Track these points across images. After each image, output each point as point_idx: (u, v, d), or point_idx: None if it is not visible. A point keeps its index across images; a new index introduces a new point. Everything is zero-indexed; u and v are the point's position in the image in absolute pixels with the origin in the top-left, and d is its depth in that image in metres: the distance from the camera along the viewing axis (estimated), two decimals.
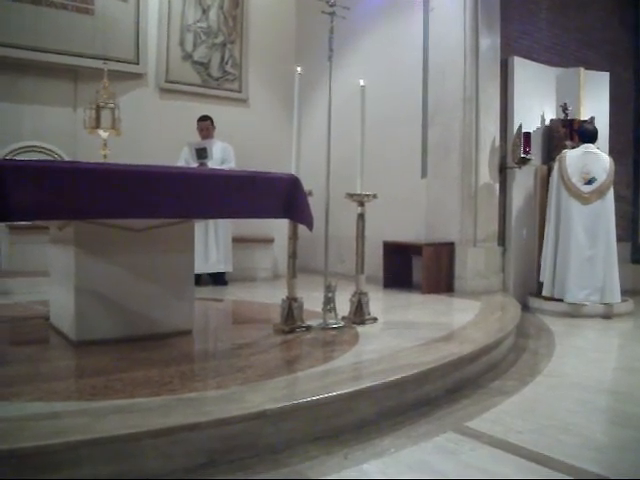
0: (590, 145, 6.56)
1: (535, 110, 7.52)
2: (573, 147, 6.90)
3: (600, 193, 6.32)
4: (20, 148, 7.05)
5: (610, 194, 6.45)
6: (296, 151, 4.39)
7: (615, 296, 6.43)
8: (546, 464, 2.59)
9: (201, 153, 6.93)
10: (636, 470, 2.57)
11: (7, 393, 2.78)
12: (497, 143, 7.00)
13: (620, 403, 3.59)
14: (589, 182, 6.32)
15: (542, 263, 6.79)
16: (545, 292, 6.69)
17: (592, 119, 7.38)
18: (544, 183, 7.41)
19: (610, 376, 4.29)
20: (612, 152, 7.78)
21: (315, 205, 4.31)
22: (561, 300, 6.48)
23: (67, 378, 3.23)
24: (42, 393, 2.80)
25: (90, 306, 3.87)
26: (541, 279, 6.80)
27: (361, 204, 4.77)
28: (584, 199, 6.27)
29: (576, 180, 6.32)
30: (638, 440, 2.95)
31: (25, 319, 4.84)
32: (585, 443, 2.86)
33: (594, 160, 6.43)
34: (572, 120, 7.42)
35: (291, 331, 4.30)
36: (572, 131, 7.40)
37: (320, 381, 3.15)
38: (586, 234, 6.38)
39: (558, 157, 6.68)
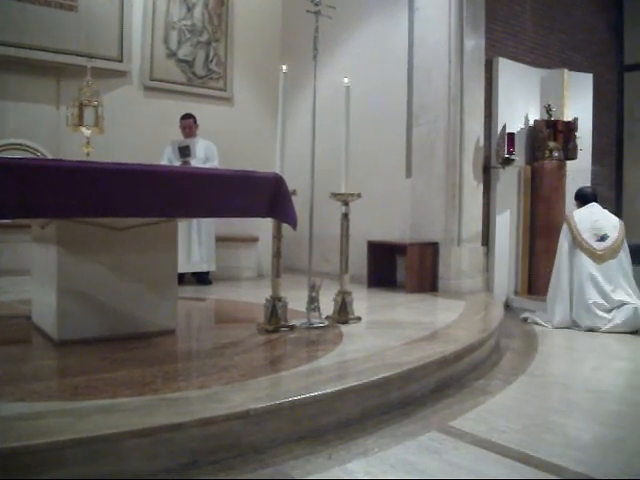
0: (595, 204, 6.37)
1: (519, 111, 7.56)
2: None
3: (613, 251, 6.02)
4: (2, 146, 6.98)
5: (624, 253, 6.08)
6: (280, 150, 4.38)
7: None
8: (529, 463, 2.60)
9: (184, 151, 6.89)
10: (620, 469, 2.58)
11: None
12: (481, 143, 7.02)
13: (604, 402, 3.61)
14: (601, 239, 6.12)
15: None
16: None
17: (575, 120, 7.42)
18: (528, 183, 7.46)
19: (593, 375, 4.30)
20: (595, 153, 7.86)
21: (299, 204, 4.30)
22: (543, 300, 6.45)
23: (49, 378, 3.20)
24: (24, 393, 2.77)
25: (72, 305, 3.84)
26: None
27: (345, 203, 4.77)
28: (598, 257, 5.96)
29: (588, 237, 6.08)
30: (621, 439, 2.97)
31: (7, 318, 4.79)
32: (568, 442, 2.87)
33: (604, 217, 6.24)
34: (556, 121, 7.47)
35: (275, 331, 4.29)
36: (556, 132, 7.45)
37: (304, 381, 3.14)
38: (604, 298, 5.84)
39: (564, 217, 6.45)
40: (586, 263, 5.99)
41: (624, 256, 6.08)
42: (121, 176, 3.48)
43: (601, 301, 5.82)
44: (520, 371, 4.25)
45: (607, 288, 5.87)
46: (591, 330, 5.73)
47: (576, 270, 6.03)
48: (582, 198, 6.50)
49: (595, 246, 6.02)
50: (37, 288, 4.38)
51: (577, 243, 6.07)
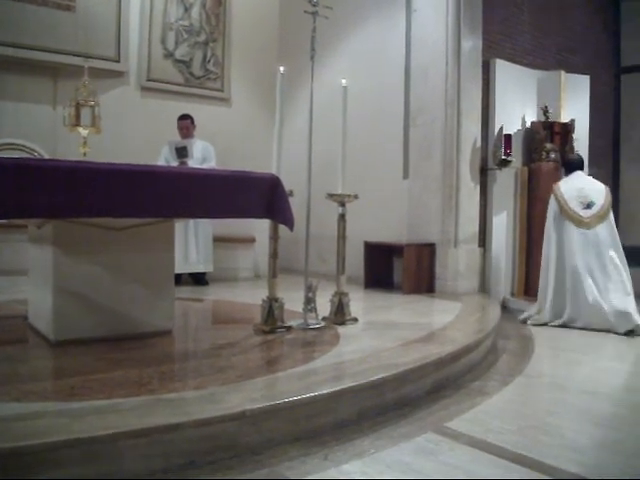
0: (581, 172, 6.43)
1: (516, 112, 7.57)
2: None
3: (600, 218, 6.03)
4: None
5: (610, 220, 6.10)
6: (278, 151, 4.38)
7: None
8: (525, 464, 2.60)
9: (181, 152, 6.89)
10: (615, 470, 2.59)
11: None
12: (478, 144, 7.03)
13: (599, 403, 3.61)
14: (588, 206, 6.07)
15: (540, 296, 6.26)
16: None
17: (572, 122, 7.44)
18: (524, 185, 7.46)
19: (589, 377, 4.30)
20: (592, 155, 7.86)
21: (296, 205, 4.30)
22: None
23: (45, 378, 3.20)
24: (20, 393, 2.76)
25: (68, 305, 3.83)
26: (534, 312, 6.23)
27: (342, 204, 4.77)
28: (585, 224, 5.99)
29: (574, 205, 6.10)
30: (617, 440, 2.97)
31: (4, 318, 4.78)
32: (564, 443, 2.87)
33: (590, 184, 6.28)
34: (553, 122, 7.48)
35: (271, 331, 4.28)
36: (552, 133, 7.46)
37: (300, 381, 3.14)
38: (593, 263, 5.91)
39: (551, 189, 6.44)
40: (574, 234, 6.04)
41: (612, 225, 6.11)
42: (118, 176, 3.48)
43: (591, 282, 5.86)
44: (516, 372, 4.25)
45: (596, 265, 5.91)
46: (584, 321, 5.82)
47: (567, 248, 6.06)
48: (568, 165, 6.61)
49: (581, 213, 6.06)
50: (33, 288, 4.37)
51: (564, 212, 6.11)
